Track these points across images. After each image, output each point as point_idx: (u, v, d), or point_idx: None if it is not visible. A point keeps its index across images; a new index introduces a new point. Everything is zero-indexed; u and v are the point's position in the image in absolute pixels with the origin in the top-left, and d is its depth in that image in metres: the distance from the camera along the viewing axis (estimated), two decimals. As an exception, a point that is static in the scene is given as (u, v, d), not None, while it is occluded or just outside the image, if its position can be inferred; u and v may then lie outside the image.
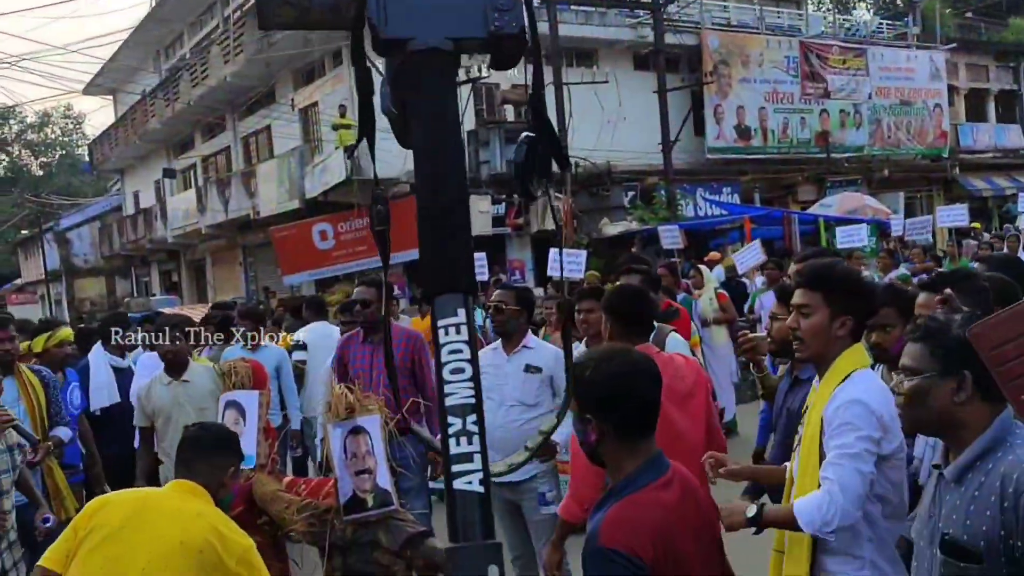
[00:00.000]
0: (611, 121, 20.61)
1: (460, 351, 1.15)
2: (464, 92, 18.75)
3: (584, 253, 9.79)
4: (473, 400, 1.13)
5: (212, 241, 27.26)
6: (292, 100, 22.81)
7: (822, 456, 2.63)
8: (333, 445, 3.21)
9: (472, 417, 1.12)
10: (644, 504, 2.16)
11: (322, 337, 7.37)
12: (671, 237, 13.31)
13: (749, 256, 10.29)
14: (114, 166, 36.38)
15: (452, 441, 1.11)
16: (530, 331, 4.88)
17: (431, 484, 6.23)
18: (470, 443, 1.11)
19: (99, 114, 69.97)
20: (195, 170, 29.79)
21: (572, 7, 21.68)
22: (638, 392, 2.22)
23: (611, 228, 20.30)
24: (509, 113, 20.96)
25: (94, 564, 2.81)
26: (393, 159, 13.73)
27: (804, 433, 2.78)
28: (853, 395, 2.62)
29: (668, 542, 2.13)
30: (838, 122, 26.90)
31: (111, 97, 37.04)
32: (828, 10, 36.98)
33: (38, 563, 2.90)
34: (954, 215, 13.89)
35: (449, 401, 1.13)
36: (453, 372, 1.14)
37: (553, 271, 8.25)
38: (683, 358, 3.77)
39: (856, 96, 27.29)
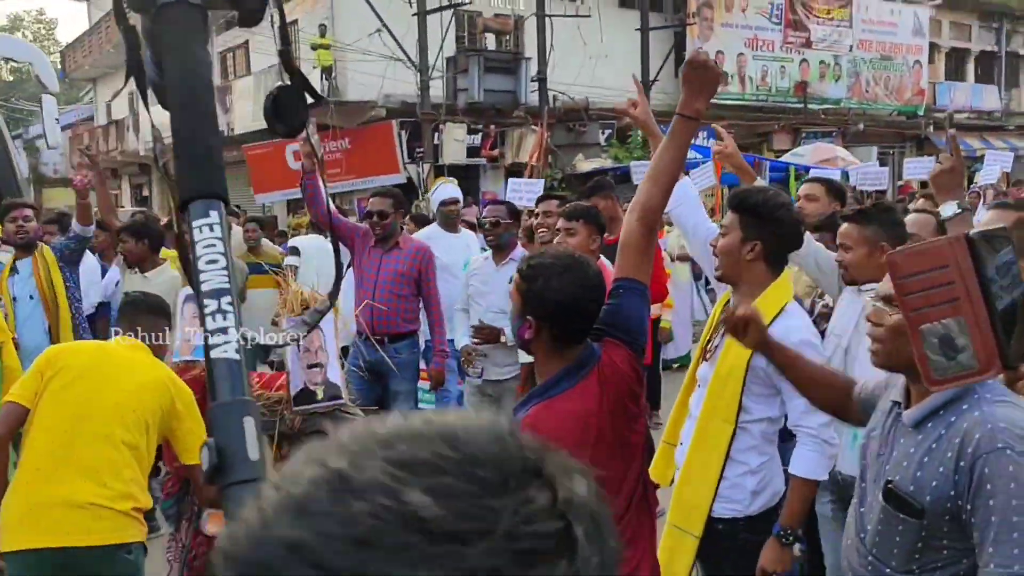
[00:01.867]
0: (592, 57, 20.51)
1: (214, 245, 1.31)
2: (445, 17, 18.55)
3: (540, 183, 9.94)
4: (226, 285, 1.29)
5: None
6: (272, 16, 22.40)
7: (744, 383, 2.82)
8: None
9: (226, 298, 1.28)
10: (555, 412, 2.27)
11: (315, 241, 7.86)
12: (643, 174, 13.39)
13: (702, 178, 10.43)
14: (87, 75, 35.61)
15: (209, 319, 1.28)
16: (519, 245, 5.28)
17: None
18: (224, 319, 1.27)
19: (73, 20, 68.12)
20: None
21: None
22: (581, 307, 2.30)
23: (585, 164, 20.34)
24: (490, 42, 20.78)
25: (67, 400, 3.10)
26: (371, 81, 13.73)
27: (724, 355, 2.89)
28: (801, 336, 2.79)
29: (573, 451, 2.22)
30: (817, 73, 26.92)
31: (85, 3, 36.12)
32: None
33: (6, 398, 3.10)
34: (921, 167, 14.10)
35: (205, 287, 1.29)
36: (208, 263, 1.30)
37: (513, 198, 8.44)
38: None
39: (837, 48, 27.27)
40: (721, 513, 2.85)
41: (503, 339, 4.82)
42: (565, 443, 2.03)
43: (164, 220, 7.70)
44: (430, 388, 5.71)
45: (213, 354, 1.27)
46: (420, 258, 5.45)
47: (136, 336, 3.32)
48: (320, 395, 3.33)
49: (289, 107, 1.57)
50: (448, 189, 6.96)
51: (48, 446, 3.09)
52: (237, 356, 1.27)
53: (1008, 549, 1.79)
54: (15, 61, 9.73)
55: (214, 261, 1.30)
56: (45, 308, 5.25)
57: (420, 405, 5.89)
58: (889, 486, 2.00)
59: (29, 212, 5.46)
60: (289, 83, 1.57)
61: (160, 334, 3.40)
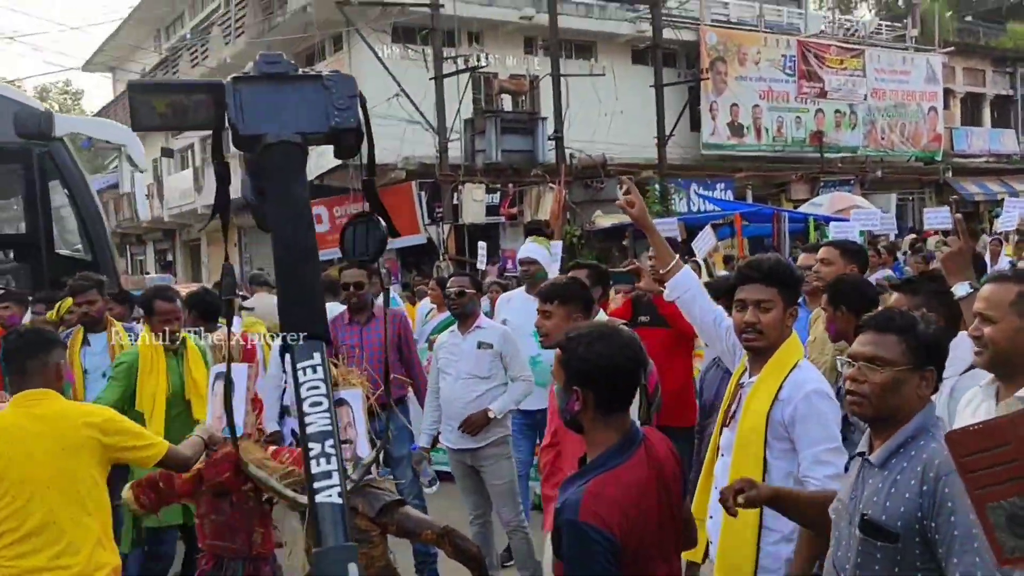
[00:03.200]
0: (608, 114, 20.76)
1: (317, 387, 1.34)
2: (462, 80, 18.88)
3: (560, 244, 10.00)
4: (329, 427, 1.33)
5: (208, 222, 27.33)
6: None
7: (765, 440, 2.88)
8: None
9: (329, 442, 1.32)
10: (618, 483, 2.32)
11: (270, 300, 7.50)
12: (669, 230, 13.49)
13: (703, 241, 10.50)
14: (112, 144, 36.37)
15: (313, 463, 1.31)
16: (483, 314, 5.40)
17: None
18: (328, 463, 1.30)
19: (98, 91, 69.83)
20: (193, 150, 29.86)
21: (573, 0, 21.83)
22: (623, 369, 2.38)
23: (604, 220, 20.46)
24: (506, 103, 21.10)
25: (8, 498, 3.08)
26: (390, 144, 13.94)
27: (744, 418, 2.98)
28: (815, 386, 2.91)
29: (635, 521, 2.29)
30: (833, 122, 27.08)
31: (110, 75, 37.06)
32: (829, 9, 37.12)
33: None
34: (940, 217, 14.09)
35: (310, 429, 1.32)
36: (312, 405, 1.32)
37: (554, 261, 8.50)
38: None
39: (852, 97, 27.47)
40: None
41: (491, 415, 4.98)
42: (631, 512, 2.08)
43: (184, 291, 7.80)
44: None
45: (318, 498, 1.29)
46: (397, 324, 5.65)
47: (31, 386, 3.26)
48: (350, 471, 3.35)
49: (366, 237, 1.62)
50: (524, 248, 6.67)
51: (5, 553, 3.10)
52: (340, 500, 1.30)
53: (971, 559, 1.99)
54: (109, 143, 10.23)
55: (318, 404, 1.33)
56: None
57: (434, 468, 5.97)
58: (865, 518, 2.20)
59: (94, 295, 5.55)
60: (367, 212, 1.62)
61: (56, 368, 3.32)
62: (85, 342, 5.54)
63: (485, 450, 5.09)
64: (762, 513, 2.87)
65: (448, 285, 5.39)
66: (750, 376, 3.09)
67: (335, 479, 1.30)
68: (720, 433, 3.15)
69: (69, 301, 5.91)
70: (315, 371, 1.35)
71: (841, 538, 2.33)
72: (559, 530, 2.34)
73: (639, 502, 2.32)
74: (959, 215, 3.37)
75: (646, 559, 2.34)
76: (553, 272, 6.22)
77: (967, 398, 2.59)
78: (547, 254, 6.40)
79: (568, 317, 3.88)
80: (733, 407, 3.08)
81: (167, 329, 4.95)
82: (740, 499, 2.50)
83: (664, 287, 3.65)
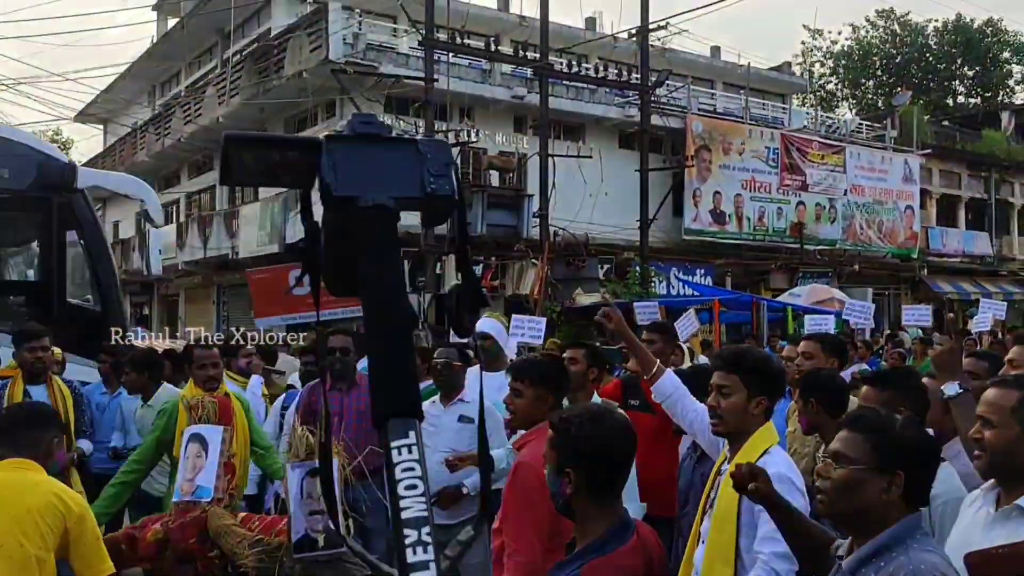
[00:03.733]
0: (592, 195, 21.05)
1: (413, 468, 1.26)
2: (453, 153, 19.10)
3: (543, 320, 9.98)
4: (426, 513, 1.25)
5: (188, 277, 27.25)
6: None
7: (738, 526, 2.89)
8: (290, 484, 3.35)
9: (426, 528, 1.24)
10: (613, 568, 2.30)
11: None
12: (649, 312, 13.58)
13: (686, 325, 10.60)
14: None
15: (409, 551, 1.23)
16: (466, 386, 5.24)
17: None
18: (425, 552, 1.23)
19: (88, 143, 70.08)
20: (178, 206, 29.91)
21: (564, 82, 22.28)
22: (617, 453, 2.38)
23: (584, 299, 20.55)
24: (494, 178, 21.37)
25: None
26: (375, 214, 13.80)
27: (719, 503, 3.01)
28: (776, 470, 2.83)
29: None
30: (813, 215, 27.58)
31: (102, 127, 37.27)
32: (812, 106, 38.10)
33: None
34: (918, 315, 14.27)
35: (405, 514, 1.25)
36: (407, 488, 1.25)
37: (515, 336, 8.50)
38: None
39: (832, 191, 28.04)
40: None
41: (464, 491, 4.87)
42: None
43: (163, 348, 7.75)
44: None
45: None
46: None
47: (21, 455, 3.23)
48: (321, 543, 3.29)
49: (458, 309, 1.58)
50: (480, 322, 6.80)
51: None
52: None
53: None
54: (129, 197, 10.42)
55: (413, 487, 1.25)
56: None
57: None
58: None
59: (47, 342, 5.50)
60: (462, 286, 1.58)
61: (48, 446, 3.32)
62: (25, 394, 5.32)
63: (456, 528, 4.98)
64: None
65: (436, 356, 5.32)
66: (728, 464, 3.10)
67: (432, 571, 1.22)
68: (701, 521, 3.17)
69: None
70: (410, 451, 1.27)
71: None
72: None
73: None
74: (951, 315, 3.42)
75: None
76: (509, 348, 6.17)
77: (971, 498, 2.57)
78: (502, 329, 6.34)
79: (539, 398, 3.61)
80: (713, 494, 3.11)
81: (207, 375, 5.11)
82: (751, 485, 2.41)
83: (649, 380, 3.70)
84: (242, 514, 3.75)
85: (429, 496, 1.27)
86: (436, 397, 5.25)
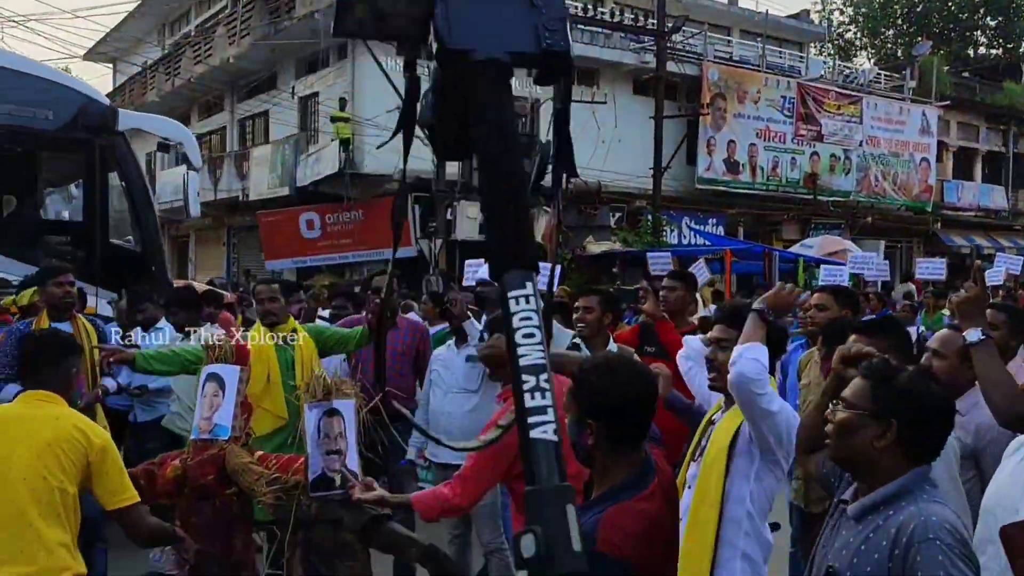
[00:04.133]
0: (605, 142, 20.85)
1: (530, 318, 1.24)
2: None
3: (549, 267, 9.93)
4: (543, 360, 1.22)
5: (198, 219, 27.23)
6: (293, 88, 22.90)
7: (727, 473, 2.97)
8: (307, 425, 3.36)
9: (544, 375, 1.21)
10: (634, 513, 2.29)
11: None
12: (662, 263, 13.54)
13: (696, 274, 10.56)
14: (171, 142, 36.16)
15: (527, 396, 1.20)
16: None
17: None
18: (543, 398, 1.20)
19: (98, 82, 69.63)
20: (182, 146, 29.74)
21: (579, 26, 21.93)
22: (638, 403, 2.34)
23: (595, 247, 20.52)
24: (506, 123, 21.17)
25: None
26: (388, 156, 13.88)
27: (709, 449, 3.07)
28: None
29: (648, 550, 2.29)
30: (827, 166, 27.31)
31: (111, 65, 36.94)
32: (830, 55, 37.49)
33: None
34: (932, 268, 14.21)
35: (523, 361, 1.22)
36: (524, 336, 1.23)
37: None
38: None
39: (848, 142, 27.73)
40: None
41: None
42: (645, 542, 2.04)
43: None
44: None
45: (532, 434, 1.20)
46: (418, 336, 5.61)
47: (42, 387, 3.24)
48: (338, 482, 3.31)
49: (540, 170, 1.51)
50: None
51: None
52: (556, 438, 1.21)
53: None
54: (168, 140, 10.69)
55: (531, 335, 1.23)
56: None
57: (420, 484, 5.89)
58: (830, 570, 2.17)
59: (72, 278, 5.47)
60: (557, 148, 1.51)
61: (68, 376, 3.31)
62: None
63: None
64: (719, 530, 2.96)
65: (447, 300, 5.37)
66: (722, 414, 3.18)
67: (550, 415, 1.19)
68: (687, 467, 3.21)
69: (29, 292, 5.84)
70: (527, 301, 1.24)
71: None
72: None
73: (652, 533, 2.31)
74: (978, 262, 3.39)
75: None
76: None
77: (1015, 445, 2.55)
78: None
79: None
80: (703, 442, 3.15)
81: (265, 309, 5.15)
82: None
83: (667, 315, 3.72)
84: (259, 453, 3.77)
85: (547, 345, 1.25)
86: (452, 341, 5.32)
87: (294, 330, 5.20)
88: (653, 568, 2.32)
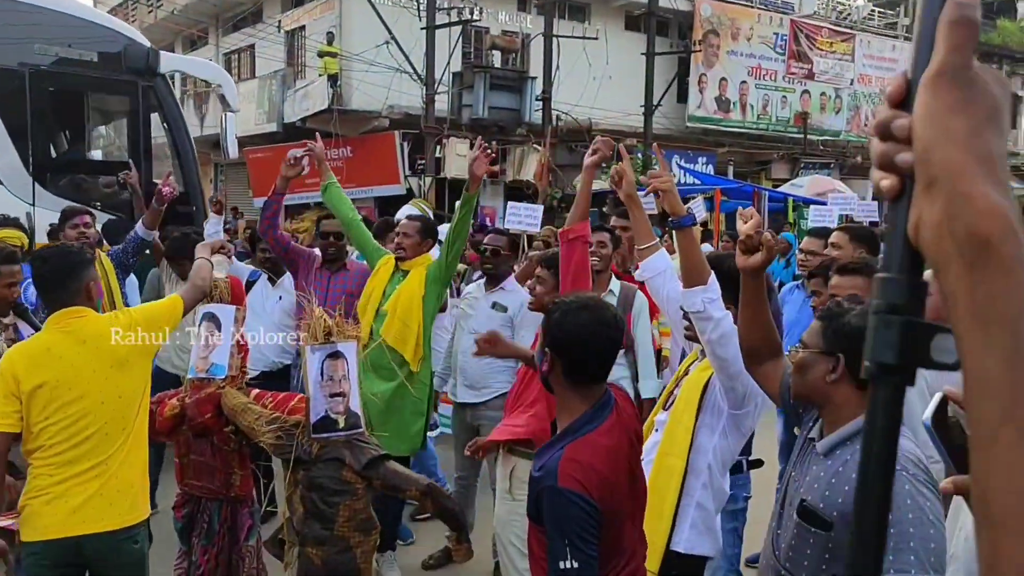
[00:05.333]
0: (596, 78, 20.63)
1: None
2: (453, 33, 18.62)
3: (540, 208, 9.86)
4: None
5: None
6: (279, 22, 22.48)
7: (696, 422, 3.03)
8: (310, 367, 3.36)
9: None
10: (594, 448, 2.38)
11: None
12: (647, 202, 13.46)
13: (694, 211, 10.53)
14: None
15: None
16: (513, 276, 5.30)
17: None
18: None
19: None
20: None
21: (570, -41, 21.56)
22: (595, 345, 2.43)
23: (585, 185, 20.40)
24: (496, 59, 20.88)
25: (61, 415, 3.18)
26: (376, 92, 13.72)
27: (679, 400, 3.13)
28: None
29: (610, 484, 2.37)
30: (818, 105, 27.14)
31: (91, -4, 36.09)
32: (823, -10, 36.97)
33: None
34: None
35: None
36: None
37: (510, 223, 8.53)
38: None
39: (839, 81, 27.51)
40: (677, 547, 3.05)
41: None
42: (607, 476, 2.11)
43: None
44: None
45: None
46: (362, 279, 5.46)
47: (66, 305, 3.30)
48: (341, 424, 3.33)
49: None
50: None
51: (55, 461, 3.19)
52: None
53: (906, 556, 2.03)
54: (205, 81, 11.01)
55: None
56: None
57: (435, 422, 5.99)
58: (803, 504, 2.26)
59: (89, 219, 5.60)
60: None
61: (88, 289, 3.34)
62: None
63: (487, 406, 5.06)
64: (684, 481, 3.03)
65: (485, 242, 5.30)
66: (697, 364, 3.23)
67: None
68: (657, 412, 3.29)
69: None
70: None
71: (779, 518, 2.42)
72: (537, 498, 2.39)
73: (613, 466, 2.39)
74: None
75: (619, 521, 2.43)
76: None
77: None
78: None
79: (558, 286, 3.90)
80: (676, 391, 3.21)
81: (398, 243, 5.03)
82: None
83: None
84: (255, 391, 3.79)
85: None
86: (482, 282, 5.33)
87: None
88: (617, 502, 2.39)
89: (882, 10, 32.50)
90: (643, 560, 2.59)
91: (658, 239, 3.64)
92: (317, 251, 5.71)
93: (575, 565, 2.26)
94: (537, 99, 19.85)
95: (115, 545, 3.25)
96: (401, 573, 5.05)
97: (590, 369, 2.45)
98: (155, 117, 9.47)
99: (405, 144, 19.10)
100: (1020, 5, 37.68)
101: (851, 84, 27.80)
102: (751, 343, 2.68)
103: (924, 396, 2.93)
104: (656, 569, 3.00)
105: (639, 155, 21.42)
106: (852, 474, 2.18)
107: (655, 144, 4.16)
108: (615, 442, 2.43)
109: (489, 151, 4.64)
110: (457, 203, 4.81)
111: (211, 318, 3.90)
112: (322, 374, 3.33)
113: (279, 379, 5.55)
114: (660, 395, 3.68)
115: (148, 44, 9.37)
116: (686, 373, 3.25)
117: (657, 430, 3.21)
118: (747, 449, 3.74)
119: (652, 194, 3.31)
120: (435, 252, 5.22)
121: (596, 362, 2.45)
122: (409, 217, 5.33)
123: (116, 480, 3.26)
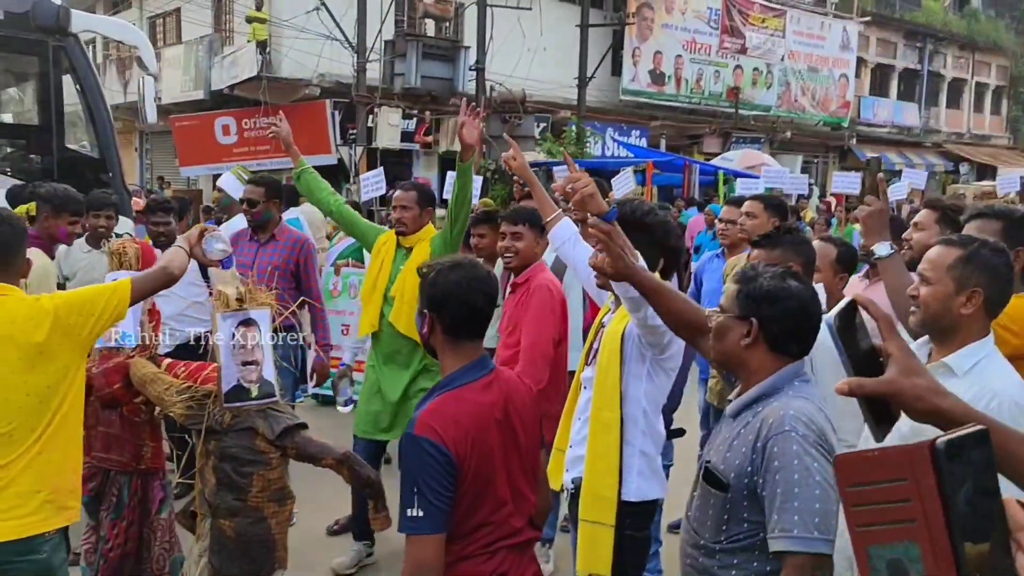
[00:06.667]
0: (530, 50, 20.52)
1: None
2: (385, 1, 18.31)
3: (479, 180, 9.79)
4: None
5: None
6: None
7: (621, 372, 3.05)
8: (221, 334, 3.27)
9: None
10: (460, 401, 2.41)
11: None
12: (562, 174, 13.48)
13: (622, 183, 10.55)
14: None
15: None
16: None
17: (315, 390, 6.41)
18: None
19: (-8, -29, 64.94)
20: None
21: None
22: (470, 301, 2.49)
23: (519, 157, 20.35)
24: (430, 27, 20.62)
25: None
26: (306, 59, 13.47)
27: (602, 352, 3.13)
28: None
29: (478, 439, 2.38)
30: (750, 80, 27.46)
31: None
32: (756, -33, 37.27)
33: None
34: (847, 182, 14.55)
35: None
36: None
37: (366, 193, 8.48)
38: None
39: (770, 56, 27.87)
40: (628, 497, 3.06)
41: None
42: (470, 429, 2.11)
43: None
44: (314, 384, 5.66)
45: None
46: (299, 250, 5.28)
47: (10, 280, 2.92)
48: (254, 393, 3.25)
49: None
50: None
51: None
52: None
53: (789, 516, 2.10)
54: (123, 43, 10.43)
55: None
56: None
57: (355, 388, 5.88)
58: (707, 465, 2.31)
59: (111, 212, 5.58)
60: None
61: (22, 262, 2.99)
62: None
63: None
64: (623, 431, 3.05)
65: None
66: (611, 316, 3.24)
67: None
68: (583, 369, 3.30)
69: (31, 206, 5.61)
70: None
71: (697, 481, 2.46)
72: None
73: (480, 423, 2.41)
74: (881, 175, 3.39)
75: (489, 479, 2.43)
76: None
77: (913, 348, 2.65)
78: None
79: (536, 240, 4.30)
80: (596, 345, 3.22)
81: (397, 217, 4.76)
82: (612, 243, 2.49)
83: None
84: (166, 361, 3.68)
85: None
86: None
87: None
88: (484, 459, 2.39)
89: (812, -13, 32.95)
90: (521, 514, 2.55)
91: (558, 209, 3.71)
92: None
93: (420, 514, 2.28)
94: (471, 69, 19.69)
95: (6, 558, 2.82)
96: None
97: (469, 324, 2.52)
98: (68, 80, 9.10)
99: (336, 113, 18.79)
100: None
101: (782, 60, 28.19)
102: (675, 327, 2.72)
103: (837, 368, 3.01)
104: (612, 522, 3.02)
105: (573, 127, 21.44)
106: (749, 436, 2.22)
107: (566, 154, 4.22)
108: (487, 400, 2.46)
109: (478, 111, 4.47)
110: (451, 176, 4.69)
111: (120, 285, 3.77)
112: (234, 342, 3.24)
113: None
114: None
115: (59, 2, 8.95)
116: (602, 326, 3.26)
117: (585, 387, 3.23)
118: (668, 419, 3.76)
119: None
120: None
121: (474, 317, 2.52)
122: (402, 187, 4.96)
123: (16, 487, 2.85)
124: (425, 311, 2.53)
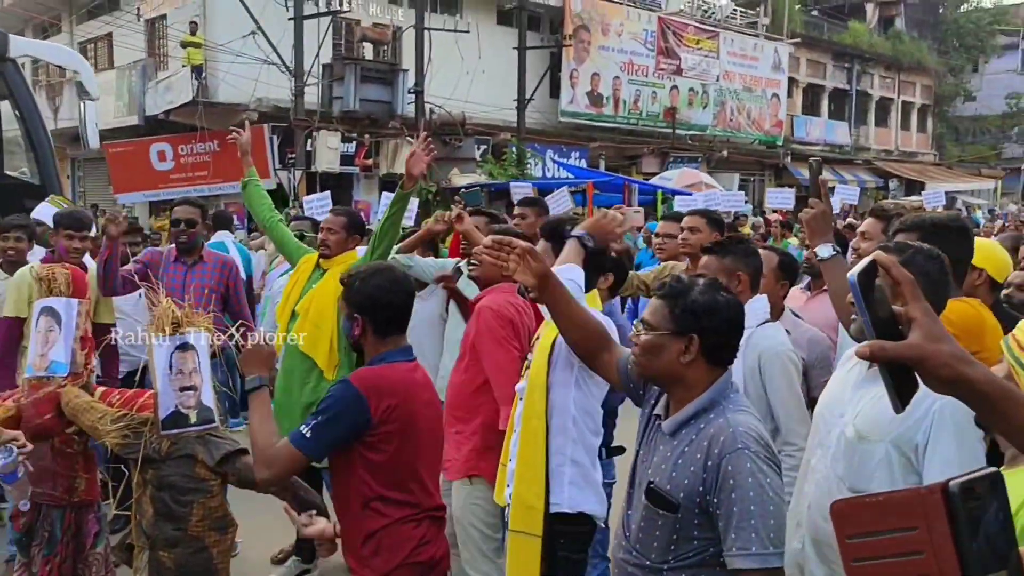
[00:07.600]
0: (469, 72, 20.60)
1: None
2: (323, 24, 18.23)
3: (416, 202, 9.77)
4: None
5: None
6: (138, 9, 21.48)
7: (547, 384, 3.09)
8: (157, 360, 3.17)
9: None
10: (392, 369, 2.76)
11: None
12: (522, 192, 13.55)
13: (558, 202, 10.64)
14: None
15: None
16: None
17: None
18: None
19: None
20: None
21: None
22: (394, 301, 2.79)
23: (460, 179, 20.37)
24: (368, 51, 20.58)
25: None
26: (243, 84, 13.32)
27: (533, 363, 3.16)
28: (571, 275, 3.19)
29: (403, 407, 2.70)
30: (686, 100, 27.92)
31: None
32: (689, -10, 38.03)
33: None
34: (781, 198, 14.91)
35: None
36: None
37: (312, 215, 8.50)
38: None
39: (705, 77, 28.39)
40: (560, 507, 3.05)
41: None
42: (395, 394, 2.50)
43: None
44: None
45: None
46: (227, 272, 5.32)
47: None
48: (193, 419, 3.16)
49: None
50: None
51: None
52: None
53: (747, 534, 2.09)
54: (62, 68, 10.05)
55: None
56: None
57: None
58: (651, 486, 2.27)
59: (23, 235, 5.34)
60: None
61: None
62: None
63: None
64: (548, 439, 3.05)
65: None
66: (544, 325, 3.26)
67: None
68: (520, 383, 3.31)
69: None
70: None
71: (630, 498, 2.42)
72: None
73: (403, 391, 2.72)
74: (823, 177, 3.43)
75: (416, 446, 2.74)
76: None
77: (846, 356, 2.65)
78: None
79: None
80: (529, 357, 3.28)
81: (321, 240, 4.80)
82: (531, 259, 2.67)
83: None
84: (101, 389, 3.56)
85: None
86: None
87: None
88: (407, 427, 2.69)
89: (743, 9, 33.68)
90: (435, 494, 2.88)
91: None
92: (172, 246, 5.42)
93: (309, 436, 2.62)
94: (410, 92, 19.67)
95: None
96: None
97: (397, 320, 2.81)
98: (6, 106, 8.86)
99: (275, 138, 18.59)
100: (868, 7, 39.76)
101: (717, 80, 28.73)
102: (576, 343, 2.80)
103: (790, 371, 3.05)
104: (539, 532, 3.00)
105: (513, 149, 21.55)
106: (697, 455, 2.19)
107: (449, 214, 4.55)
108: (410, 379, 2.77)
109: (433, 150, 4.60)
110: (386, 199, 4.70)
111: (50, 312, 3.65)
112: (171, 368, 3.14)
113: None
114: None
115: None
116: (537, 338, 3.28)
117: (521, 399, 3.22)
118: (607, 437, 3.74)
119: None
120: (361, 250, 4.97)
121: (398, 315, 2.81)
122: (334, 211, 5.06)
123: None
124: (356, 315, 2.78)
